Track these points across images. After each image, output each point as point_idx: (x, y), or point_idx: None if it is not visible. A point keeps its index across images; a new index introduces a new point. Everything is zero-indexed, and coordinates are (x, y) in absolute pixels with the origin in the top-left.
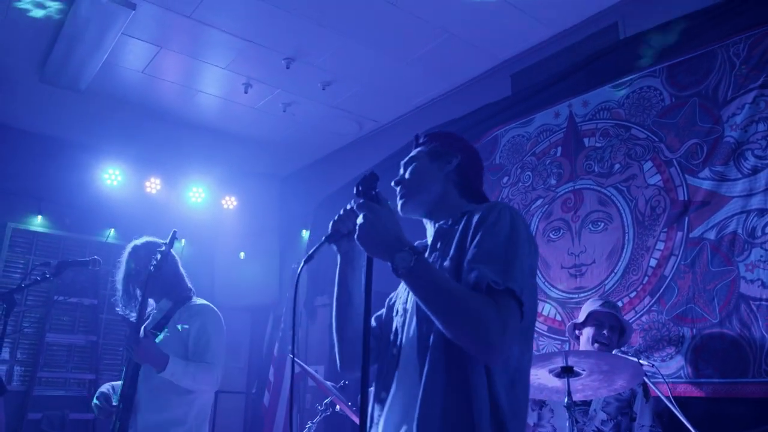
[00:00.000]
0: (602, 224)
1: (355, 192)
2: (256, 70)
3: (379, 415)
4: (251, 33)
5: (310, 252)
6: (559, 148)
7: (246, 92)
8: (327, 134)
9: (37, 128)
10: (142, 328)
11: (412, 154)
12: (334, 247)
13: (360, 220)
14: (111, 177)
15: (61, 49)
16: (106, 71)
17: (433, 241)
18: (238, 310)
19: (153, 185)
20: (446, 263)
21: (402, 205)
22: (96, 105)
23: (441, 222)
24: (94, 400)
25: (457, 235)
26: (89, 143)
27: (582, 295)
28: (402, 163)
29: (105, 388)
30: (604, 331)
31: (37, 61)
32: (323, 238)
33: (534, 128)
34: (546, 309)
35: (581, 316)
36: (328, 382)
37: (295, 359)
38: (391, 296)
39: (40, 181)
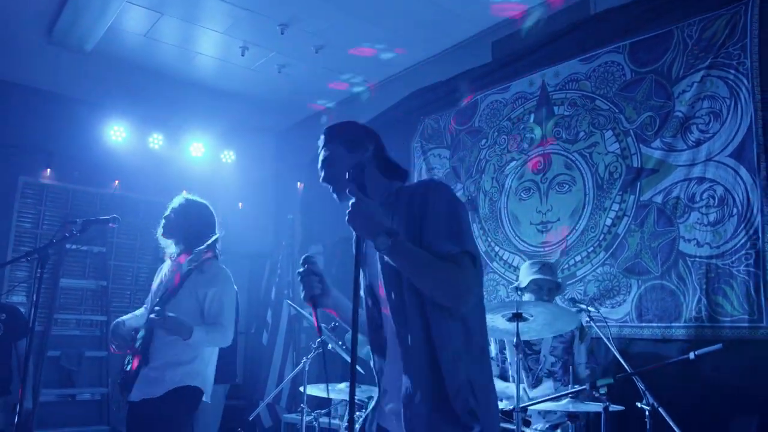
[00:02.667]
0: (567, 186)
1: (347, 178)
2: (252, 34)
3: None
4: (247, 1)
5: (316, 325)
6: (532, 115)
7: (243, 55)
8: (320, 93)
9: (47, 87)
10: (159, 295)
11: (327, 153)
12: (326, 308)
13: (348, 208)
14: (116, 133)
15: (69, 14)
16: (111, 35)
17: None
18: (238, 256)
19: (156, 141)
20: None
21: (338, 197)
22: (101, 66)
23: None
24: (110, 339)
25: (402, 212)
26: (95, 102)
27: (547, 248)
28: (320, 163)
29: (115, 324)
30: (543, 296)
31: (46, 25)
32: (311, 313)
33: (511, 95)
34: (515, 261)
35: (522, 281)
36: (322, 324)
37: (291, 303)
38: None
39: (50, 137)
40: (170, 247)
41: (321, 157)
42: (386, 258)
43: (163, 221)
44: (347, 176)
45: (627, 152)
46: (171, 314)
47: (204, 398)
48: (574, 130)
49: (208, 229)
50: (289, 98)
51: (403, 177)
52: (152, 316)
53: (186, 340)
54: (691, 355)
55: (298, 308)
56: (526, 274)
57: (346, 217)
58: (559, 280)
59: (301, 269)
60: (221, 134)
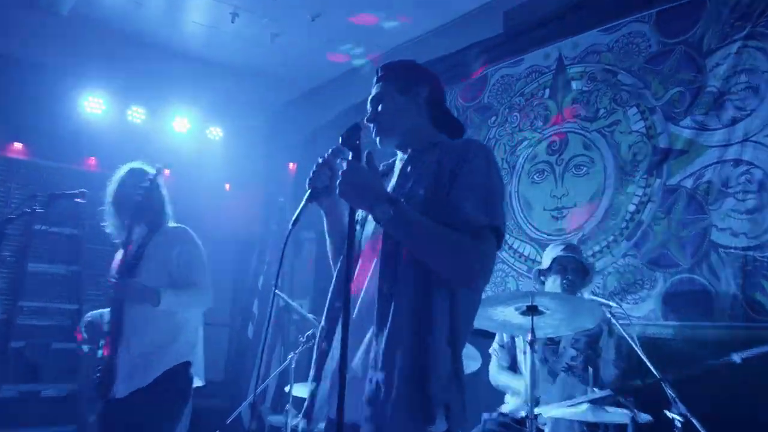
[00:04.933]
0: (585, 168)
1: (340, 142)
2: None
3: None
4: None
5: (296, 214)
6: (547, 90)
7: (233, 21)
8: (316, 66)
9: (17, 53)
10: (123, 261)
11: (378, 90)
12: (320, 206)
13: (339, 176)
14: (92, 105)
15: None
16: None
17: (403, 165)
18: (223, 241)
19: (136, 114)
20: (420, 190)
21: (380, 140)
22: (78, 31)
23: (411, 150)
24: (82, 330)
25: (433, 166)
26: (71, 70)
27: (562, 237)
28: (370, 100)
29: (91, 316)
30: (568, 275)
31: None
32: (304, 199)
33: (524, 68)
34: (526, 250)
35: (544, 262)
36: (310, 315)
37: (279, 293)
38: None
39: (19, 108)
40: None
41: (372, 94)
42: (388, 230)
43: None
44: (340, 140)
45: (653, 131)
46: (131, 280)
47: (197, 380)
48: (594, 107)
49: (162, 197)
50: (282, 72)
51: (456, 132)
52: (111, 281)
53: (156, 306)
54: (737, 358)
55: (288, 299)
56: (548, 254)
57: (337, 189)
58: (587, 262)
59: (325, 155)
60: (208, 109)
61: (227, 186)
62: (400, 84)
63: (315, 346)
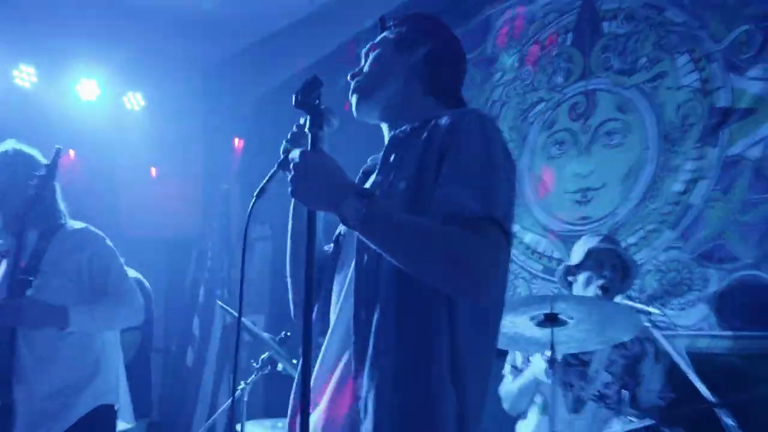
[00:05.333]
0: (618, 137)
1: (293, 104)
2: None
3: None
4: None
5: (261, 184)
6: (570, 35)
7: None
8: (267, 7)
9: None
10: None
11: (375, 41)
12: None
13: (291, 170)
14: None
15: None
16: None
17: (385, 153)
18: (150, 243)
19: (25, 76)
20: (401, 184)
21: (356, 105)
22: None
23: (398, 130)
24: None
25: (419, 149)
26: None
27: (588, 227)
28: (363, 52)
29: None
30: (605, 272)
31: None
32: (276, 165)
33: (539, 6)
34: (542, 245)
35: (575, 257)
36: (266, 334)
37: (225, 307)
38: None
39: None
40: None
41: (368, 45)
42: (360, 235)
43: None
44: (293, 101)
45: (710, 85)
46: (25, 299)
47: (122, 423)
48: (632, 56)
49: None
50: (221, 15)
51: (455, 104)
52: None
53: (65, 328)
54: None
55: (235, 313)
56: (581, 247)
57: (289, 187)
58: (631, 259)
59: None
60: (124, 68)
61: (153, 171)
62: (398, 40)
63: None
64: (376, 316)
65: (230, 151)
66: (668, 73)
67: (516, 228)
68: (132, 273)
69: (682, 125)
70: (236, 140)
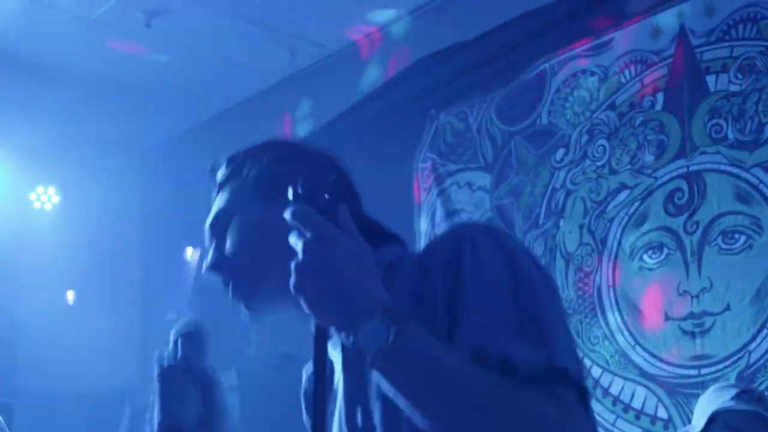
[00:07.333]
0: (742, 238)
1: (294, 192)
2: None
3: None
4: None
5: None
6: (661, 96)
7: None
8: (232, 69)
9: None
10: None
11: (220, 205)
12: None
13: (300, 254)
14: None
15: None
16: None
17: (343, 377)
18: (65, 399)
19: None
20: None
21: (248, 311)
22: None
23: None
24: None
25: (407, 294)
26: None
27: (705, 370)
28: (208, 226)
29: None
30: None
31: None
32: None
33: (613, 58)
34: (636, 397)
35: (699, 420)
36: None
37: None
38: (306, 368)
39: None
40: None
41: (211, 213)
42: (381, 376)
43: None
44: (292, 191)
45: None
46: None
47: None
48: (753, 123)
49: None
50: (168, 82)
51: (392, 240)
52: None
53: None
54: None
55: None
56: (706, 406)
57: (292, 279)
58: None
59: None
60: (32, 152)
61: (70, 295)
62: (262, 187)
63: None
64: None
65: (180, 267)
66: None
67: (593, 370)
68: None
69: None
70: (189, 250)
